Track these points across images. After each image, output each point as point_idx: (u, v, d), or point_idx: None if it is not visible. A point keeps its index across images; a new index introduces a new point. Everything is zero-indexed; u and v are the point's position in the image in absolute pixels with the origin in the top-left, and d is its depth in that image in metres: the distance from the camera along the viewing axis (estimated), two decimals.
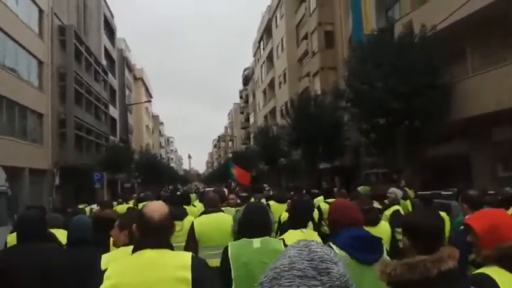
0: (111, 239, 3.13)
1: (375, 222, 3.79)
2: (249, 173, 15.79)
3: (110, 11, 41.83)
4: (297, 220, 3.40)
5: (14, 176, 19.09)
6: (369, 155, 16.49)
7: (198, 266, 1.87)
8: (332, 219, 2.62)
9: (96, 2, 36.57)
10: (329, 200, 6.72)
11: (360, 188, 15.92)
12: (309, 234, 3.25)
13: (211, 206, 4.47)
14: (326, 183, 23.39)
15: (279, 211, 6.10)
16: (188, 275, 1.81)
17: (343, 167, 21.87)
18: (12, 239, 3.86)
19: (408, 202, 7.31)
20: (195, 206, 7.25)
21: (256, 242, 2.58)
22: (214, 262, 3.00)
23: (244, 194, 8.64)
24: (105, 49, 38.48)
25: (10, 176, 18.49)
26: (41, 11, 22.68)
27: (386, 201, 5.99)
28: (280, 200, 6.79)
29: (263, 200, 7.35)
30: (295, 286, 0.93)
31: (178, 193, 13.90)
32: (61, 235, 3.93)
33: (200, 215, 4.59)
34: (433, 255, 1.60)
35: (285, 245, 2.87)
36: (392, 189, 6.18)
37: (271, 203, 6.82)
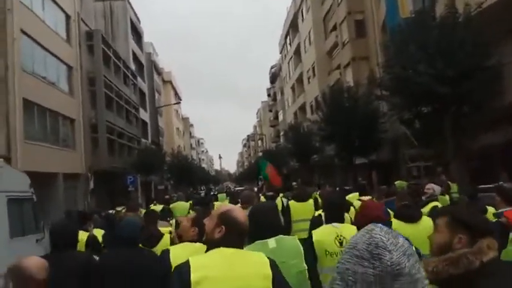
0: (169, 236, 3.60)
1: (415, 218, 3.53)
2: (279, 176, 15.20)
3: (136, 16, 42.21)
4: (330, 215, 3.47)
5: (48, 182, 19.32)
6: (411, 147, 15.43)
7: (274, 264, 2.00)
8: (355, 221, 2.77)
9: (122, 7, 36.93)
10: (363, 198, 6.45)
11: (396, 183, 15.05)
12: (344, 228, 3.27)
13: (245, 203, 4.57)
14: (362, 179, 22.41)
15: (299, 210, 6.17)
16: (269, 271, 1.94)
17: (381, 161, 20.79)
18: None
19: (447, 197, 6.97)
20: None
21: (272, 242, 2.56)
22: None
23: (270, 193, 8.66)
24: (133, 53, 38.84)
25: (44, 182, 18.77)
26: (67, 17, 22.89)
27: (423, 197, 5.75)
28: (299, 199, 6.51)
29: (284, 200, 7.26)
30: (352, 264, 1.08)
31: (211, 193, 13.77)
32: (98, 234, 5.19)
33: None
34: (473, 247, 1.61)
35: (310, 241, 3.16)
36: (431, 185, 6.04)
37: (291, 202, 6.59)
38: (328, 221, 3.43)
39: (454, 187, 10.47)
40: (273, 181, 13.58)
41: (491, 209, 4.46)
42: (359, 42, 23.03)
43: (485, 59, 10.24)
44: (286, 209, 6.40)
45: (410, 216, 3.50)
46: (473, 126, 11.08)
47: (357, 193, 7.69)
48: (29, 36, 18.01)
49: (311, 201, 6.61)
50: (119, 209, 14.49)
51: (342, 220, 3.47)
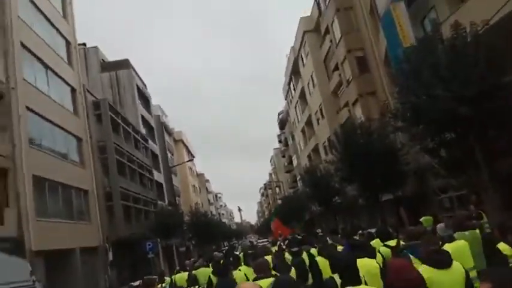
0: None
1: (447, 264, 3.37)
2: (287, 229, 16.28)
3: (142, 81, 43.39)
4: (346, 278, 3.20)
5: (65, 258, 18.64)
6: (438, 177, 14.51)
7: None
8: (388, 283, 2.58)
9: (128, 75, 38.03)
10: (390, 243, 5.70)
11: (422, 219, 13.92)
12: None
13: (260, 272, 4.20)
14: (391, 217, 21.16)
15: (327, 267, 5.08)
16: None
17: (408, 195, 19.69)
18: None
19: (475, 232, 5.64)
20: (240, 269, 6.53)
21: None
22: None
23: (295, 249, 7.80)
24: (143, 118, 39.44)
25: (60, 259, 18.15)
26: (73, 90, 23.35)
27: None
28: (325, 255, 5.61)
29: (305, 257, 6.70)
30: None
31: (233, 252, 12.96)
32: None
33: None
34: None
35: None
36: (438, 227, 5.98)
37: (319, 259, 5.71)
38: (344, 284, 3.17)
39: (485, 217, 9.75)
40: (275, 234, 14.53)
41: None
42: (363, 78, 22.83)
43: (502, 76, 9.68)
44: (314, 267, 5.67)
45: (443, 261, 3.35)
46: (503, 148, 10.28)
47: (378, 239, 6.70)
48: (34, 112, 18.20)
49: None
50: (134, 284, 13.65)
51: (359, 281, 3.20)
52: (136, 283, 13.87)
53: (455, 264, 3.43)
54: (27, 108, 17.60)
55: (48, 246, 16.62)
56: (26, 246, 14.84)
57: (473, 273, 4.37)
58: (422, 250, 3.84)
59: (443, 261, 3.38)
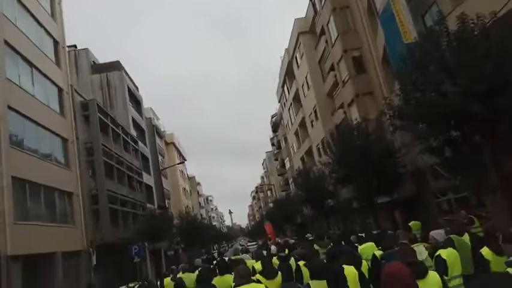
0: None
1: (422, 274, 3.56)
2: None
3: (134, 83, 42.43)
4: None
5: (45, 263, 17.68)
6: (439, 179, 13.91)
7: None
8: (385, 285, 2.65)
9: (119, 77, 37.09)
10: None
11: (411, 224, 13.38)
12: None
13: (242, 278, 4.23)
14: (387, 221, 20.58)
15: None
16: None
17: (403, 198, 19.10)
18: None
19: (466, 238, 5.80)
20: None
21: None
22: None
23: (283, 255, 8.01)
24: (133, 120, 38.47)
25: (39, 264, 17.17)
26: (60, 90, 22.41)
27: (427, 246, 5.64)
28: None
29: (292, 261, 6.92)
30: None
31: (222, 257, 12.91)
32: None
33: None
34: None
35: None
36: (432, 234, 5.79)
37: (302, 264, 5.86)
38: None
39: (477, 222, 9.59)
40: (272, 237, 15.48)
41: None
42: (360, 78, 22.25)
43: None
44: (298, 272, 5.76)
45: (418, 273, 3.48)
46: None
47: (372, 243, 6.96)
48: (17, 111, 17.27)
49: None
50: (131, 285, 13.13)
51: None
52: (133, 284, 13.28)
53: (431, 273, 3.61)
54: (9, 107, 16.72)
55: (26, 251, 15.68)
56: (1, 251, 13.89)
57: (459, 280, 4.71)
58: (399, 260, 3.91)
59: (419, 273, 3.50)
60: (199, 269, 7.86)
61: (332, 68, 25.77)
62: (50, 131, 20.23)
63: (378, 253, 5.75)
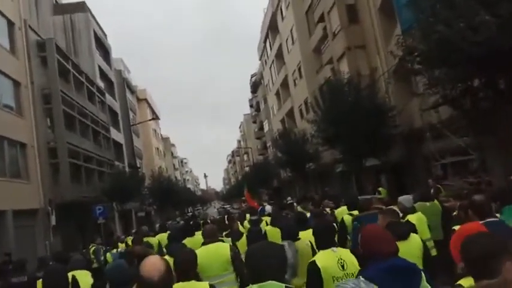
0: None
1: (404, 235, 3.49)
2: (254, 201, 16.55)
3: (102, 29, 38.74)
4: (324, 240, 3.40)
5: None
6: (438, 140, 12.39)
7: None
8: (366, 251, 2.55)
9: (84, 20, 33.44)
10: (354, 212, 5.92)
11: (380, 189, 13.40)
12: (341, 251, 3.28)
13: (209, 237, 4.55)
14: (370, 185, 19.32)
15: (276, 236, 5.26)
16: None
17: (392, 162, 17.74)
18: None
19: (436, 203, 6.18)
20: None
21: None
22: None
23: (254, 218, 7.92)
24: (100, 69, 35.22)
25: None
26: (10, 24, 19.29)
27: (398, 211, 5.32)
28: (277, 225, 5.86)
29: (264, 226, 7.23)
30: None
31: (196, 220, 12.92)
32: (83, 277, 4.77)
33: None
34: (497, 279, 1.58)
35: (315, 267, 3.08)
36: (400, 199, 5.74)
37: (268, 228, 6.37)
38: (321, 247, 3.39)
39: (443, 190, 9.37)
40: (251, 203, 15.08)
41: None
42: (353, 29, 20.16)
43: None
44: (263, 236, 6.04)
45: (401, 234, 3.41)
46: None
47: (345, 207, 6.84)
48: None
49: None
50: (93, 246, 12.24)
51: (335, 243, 3.50)
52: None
53: (413, 236, 3.59)
54: None
55: None
56: None
57: (430, 244, 4.87)
58: (381, 222, 3.92)
59: (402, 234, 3.44)
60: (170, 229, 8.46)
61: (321, 19, 23.48)
62: None
63: (346, 217, 5.77)
